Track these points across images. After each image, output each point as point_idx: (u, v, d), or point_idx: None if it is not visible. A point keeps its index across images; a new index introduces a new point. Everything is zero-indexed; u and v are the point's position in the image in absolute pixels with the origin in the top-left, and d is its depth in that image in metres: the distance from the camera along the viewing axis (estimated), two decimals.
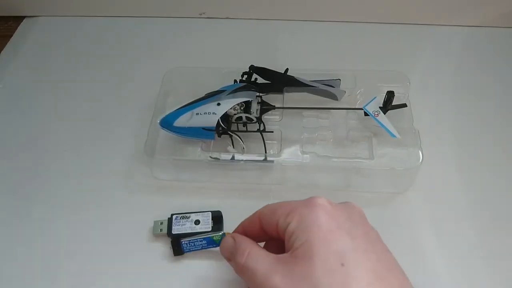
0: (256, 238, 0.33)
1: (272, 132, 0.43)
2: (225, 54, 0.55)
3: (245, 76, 0.45)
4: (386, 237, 0.29)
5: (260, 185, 0.43)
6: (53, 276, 0.38)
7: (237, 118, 0.42)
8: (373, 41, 0.56)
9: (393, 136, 0.41)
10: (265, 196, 0.42)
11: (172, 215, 0.40)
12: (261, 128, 0.42)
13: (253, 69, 0.45)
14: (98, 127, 0.49)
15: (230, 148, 0.43)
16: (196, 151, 0.43)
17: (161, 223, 0.39)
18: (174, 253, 0.38)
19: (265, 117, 0.44)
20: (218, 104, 0.41)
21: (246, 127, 0.43)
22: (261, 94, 0.44)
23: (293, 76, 0.45)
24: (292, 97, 0.46)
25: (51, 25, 0.61)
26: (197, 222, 0.39)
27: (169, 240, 0.39)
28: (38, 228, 0.41)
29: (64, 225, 0.41)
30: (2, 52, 0.57)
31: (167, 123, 0.42)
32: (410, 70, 0.49)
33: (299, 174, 0.42)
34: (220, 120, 0.41)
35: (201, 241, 0.38)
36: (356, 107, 0.45)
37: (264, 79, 0.46)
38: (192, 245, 0.38)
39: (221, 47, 0.56)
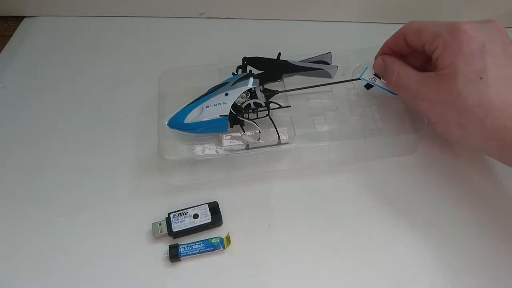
0: (402, 51, 0.40)
1: (283, 107, 0.44)
2: (225, 53, 0.55)
3: (239, 70, 0.46)
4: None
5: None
6: (53, 275, 0.38)
7: (245, 106, 0.42)
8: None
9: (394, 94, 0.42)
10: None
11: (169, 214, 0.40)
12: (270, 114, 0.43)
13: (247, 60, 0.46)
14: (97, 127, 0.49)
15: (245, 136, 0.43)
16: (204, 149, 0.44)
17: (160, 224, 0.39)
18: (170, 259, 0.38)
19: (270, 104, 0.44)
20: (226, 94, 0.42)
21: (257, 114, 0.43)
22: (254, 73, 0.45)
23: (286, 60, 0.46)
24: (290, 82, 0.47)
25: (51, 25, 0.61)
26: (195, 216, 0.39)
27: (169, 240, 0.39)
28: (37, 229, 0.41)
29: (64, 225, 0.41)
30: (2, 52, 0.57)
31: (176, 122, 0.42)
32: None
33: (313, 155, 0.44)
34: (231, 109, 0.41)
35: (199, 244, 0.38)
36: (350, 79, 0.46)
37: (259, 70, 0.47)
38: (190, 249, 0.38)
39: (221, 47, 0.56)
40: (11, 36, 0.59)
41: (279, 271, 0.37)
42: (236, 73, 0.46)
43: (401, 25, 0.40)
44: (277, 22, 0.59)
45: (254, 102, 0.42)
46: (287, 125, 0.44)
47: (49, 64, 0.56)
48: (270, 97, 0.44)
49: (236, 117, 0.42)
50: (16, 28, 0.60)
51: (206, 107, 0.41)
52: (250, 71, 0.46)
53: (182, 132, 0.42)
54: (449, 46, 0.34)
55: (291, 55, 0.46)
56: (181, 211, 0.40)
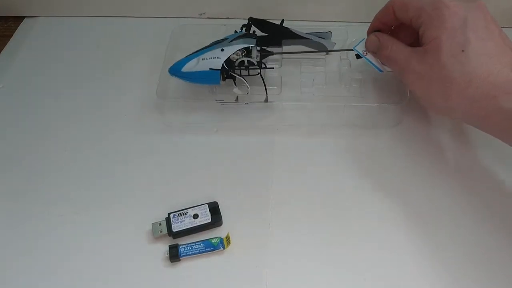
0: (391, 23, 0.43)
1: (273, 68, 0.48)
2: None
3: (244, 28, 0.48)
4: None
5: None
6: (53, 275, 0.38)
7: (239, 63, 0.45)
8: None
9: (380, 71, 0.45)
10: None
11: (169, 214, 0.40)
12: (262, 73, 0.46)
13: (252, 20, 0.49)
14: (98, 127, 0.49)
15: (235, 89, 0.46)
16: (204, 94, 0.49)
17: (160, 224, 0.39)
18: (170, 259, 0.38)
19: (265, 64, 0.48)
20: (222, 50, 0.45)
21: (248, 71, 0.46)
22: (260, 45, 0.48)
23: (289, 28, 0.49)
24: (289, 49, 0.50)
25: (51, 25, 0.61)
26: (195, 216, 0.39)
27: (169, 240, 0.39)
28: (37, 229, 0.41)
29: (64, 225, 0.41)
30: (2, 52, 0.58)
31: (175, 70, 0.46)
32: None
33: (297, 114, 0.49)
34: (224, 64, 0.44)
35: (199, 244, 0.38)
36: (346, 48, 0.49)
37: (262, 32, 0.50)
38: (190, 249, 0.38)
39: None
40: (11, 36, 0.59)
41: (279, 271, 0.37)
42: (240, 30, 0.48)
43: None
44: (277, 22, 0.59)
45: (247, 60, 0.45)
46: (277, 85, 0.48)
47: (49, 64, 0.56)
48: (265, 57, 0.47)
49: (228, 72, 0.45)
50: (16, 28, 0.60)
51: (202, 59, 0.45)
52: (254, 32, 0.49)
53: (180, 79, 0.47)
54: (434, 21, 0.37)
55: (294, 24, 0.50)
56: (181, 211, 0.40)
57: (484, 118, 0.37)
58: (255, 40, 0.46)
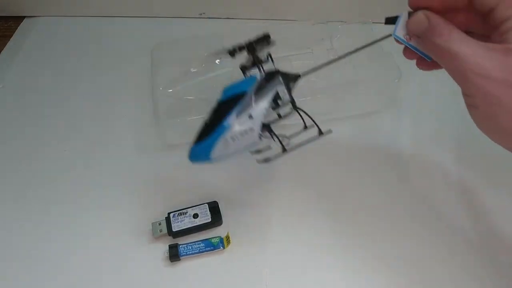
0: (457, 3, 0.30)
1: (330, 131, 0.38)
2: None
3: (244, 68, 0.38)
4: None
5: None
6: (53, 275, 0.38)
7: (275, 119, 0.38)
8: None
9: (429, 59, 0.33)
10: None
11: (169, 213, 0.40)
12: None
13: (242, 68, 0.38)
14: (98, 127, 0.49)
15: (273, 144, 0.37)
16: None
17: (160, 224, 0.39)
18: (170, 259, 0.38)
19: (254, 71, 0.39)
20: (250, 117, 0.35)
21: (281, 116, 0.38)
22: (279, 70, 0.37)
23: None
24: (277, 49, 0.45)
25: (51, 25, 0.61)
26: (195, 215, 0.39)
27: (169, 240, 0.39)
28: (37, 229, 0.41)
29: (64, 225, 0.41)
30: (2, 52, 0.58)
31: (200, 157, 0.36)
32: None
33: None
34: (260, 132, 0.35)
35: (199, 244, 0.38)
36: (380, 37, 0.37)
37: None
38: (190, 248, 0.38)
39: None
40: (11, 36, 0.60)
41: (278, 271, 0.37)
42: (235, 52, 0.38)
43: None
44: (277, 22, 0.59)
45: (280, 114, 0.37)
46: None
47: (49, 64, 0.56)
48: (294, 88, 0.37)
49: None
50: (16, 28, 0.60)
51: (231, 138, 0.35)
52: (260, 64, 0.38)
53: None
54: None
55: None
56: (181, 211, 0.40)
57: None
58: (279, 78, 0.36)
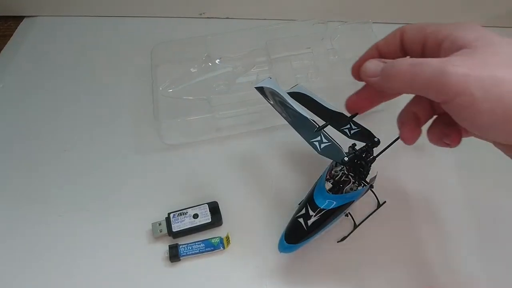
0: (393, 55, 0.32)
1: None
2: (225, 54, 0.55)
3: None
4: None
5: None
6: (53, 275, 0.38)
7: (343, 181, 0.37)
8: None
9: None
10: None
11: (169, 214, 0.40)
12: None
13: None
14: (98, 126, 0.49)
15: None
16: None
17: (160, 224, 0.39)
18: (170, 259, 0.38)
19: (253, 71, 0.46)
20: (346, 215, 0.38)
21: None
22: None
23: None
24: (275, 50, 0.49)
25: (51, 25, 0.61)
26: (195, 216, 0.39)
27: (169, 240, 0.39)
28: (37, 229, 0.41)
29: (64, 225, 0.41)
30: (2, 52, 0.58)
31: (289, 250, 0.36)
32: None
33: None
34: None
35: (199, 244, 0.38)
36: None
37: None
38: (190, 249, 0.38)
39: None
40: (11, 36, 0.59)
41: (278, 271, 0.37)
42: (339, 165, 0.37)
43: None
44: (277, 22, 0.59)
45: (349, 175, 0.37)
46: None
47: (49, 64, 0.56)
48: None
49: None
50: (16, 28, 0.60)
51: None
52: (353, 147, 0.37)
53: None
54: (463, 26, 0.28)
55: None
56: (181, 211, 0.40)
57: None
58: (342, 152, 0.34)
